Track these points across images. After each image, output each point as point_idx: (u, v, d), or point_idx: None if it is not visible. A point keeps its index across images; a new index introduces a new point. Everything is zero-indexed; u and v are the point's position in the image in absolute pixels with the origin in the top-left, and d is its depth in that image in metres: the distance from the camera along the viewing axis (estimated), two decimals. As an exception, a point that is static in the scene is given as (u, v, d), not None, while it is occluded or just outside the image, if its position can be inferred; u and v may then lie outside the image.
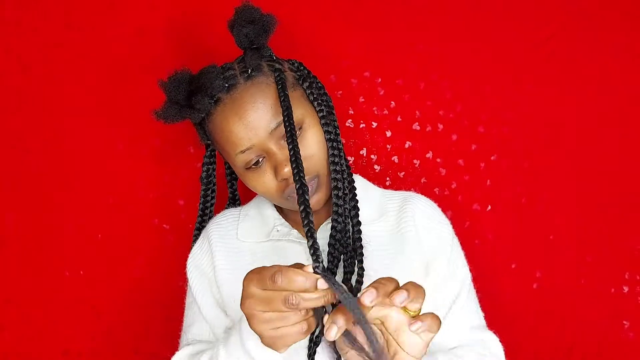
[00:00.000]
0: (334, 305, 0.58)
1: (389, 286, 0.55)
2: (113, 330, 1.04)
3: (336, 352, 0.70)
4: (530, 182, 1.01)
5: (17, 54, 1.03)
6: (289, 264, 0.77)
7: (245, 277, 0.58)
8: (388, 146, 1.02)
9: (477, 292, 0.84)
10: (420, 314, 0.56)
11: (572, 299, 1.01)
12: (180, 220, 1.03)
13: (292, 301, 0.54)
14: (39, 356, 1.04)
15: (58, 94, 1.03)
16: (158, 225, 1.03)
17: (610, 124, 1.00)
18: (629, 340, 1.00)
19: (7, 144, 1.03)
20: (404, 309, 0.56)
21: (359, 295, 0.54)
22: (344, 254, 0.74)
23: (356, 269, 0.73)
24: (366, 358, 0.59)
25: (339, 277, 0.74)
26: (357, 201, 0.78)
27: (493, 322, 0.83)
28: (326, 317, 0.55)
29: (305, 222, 0.62)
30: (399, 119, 1.02)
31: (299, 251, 0.79)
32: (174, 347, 0.84)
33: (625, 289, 1.00)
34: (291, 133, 0.68)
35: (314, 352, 0.70)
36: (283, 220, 0.83)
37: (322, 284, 0.55)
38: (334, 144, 0.76)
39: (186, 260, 0.85)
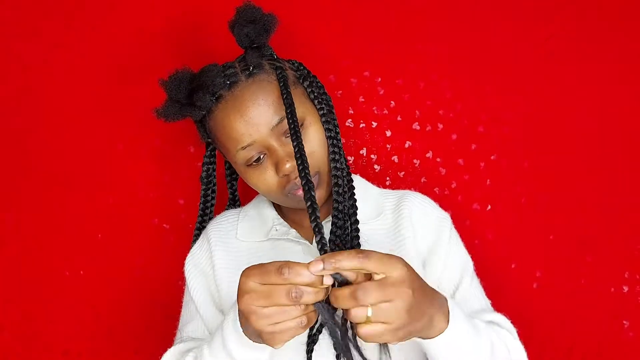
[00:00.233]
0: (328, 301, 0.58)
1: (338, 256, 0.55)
2: (113, 330, 1.04)
3: (335, 350, 0.70)
4: (530, 182, 1.01)
5: (17, 54, 1.03)
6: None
7: (242, 273, 0.58)
8: (388, 146, 1.02)
9: (477, 290, 0.84)
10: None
11: (572, 299, 1.01)
12: (180, 220, 1.03)
13: (294, 294, 0.54)
14: (39, 356, 1.04)
15: (58, 94, 1.03)
16: (158, 225, 1.03)
17: (610, 124, 1.00)
18: (629, 340, 1.00)
19: (7, 144, 1.03)
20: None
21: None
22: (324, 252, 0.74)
23: None
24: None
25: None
26: (355, 200, 0.78)
27: (493, 321, 0.83)
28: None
29: (312, 218, 0.62)
30: (399, 118, 1.02)
31: (297, 250, 0.79)
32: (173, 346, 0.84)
33: (625, 289, 1.00)
34: (295, 130, 0.68)
35: (312, 350, 0.70)
36: (282, 219, 0.83)
37: (327, 280, 0.55)
38: (334, 142, 0.77)
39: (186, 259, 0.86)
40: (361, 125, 1.02)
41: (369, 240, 0.78)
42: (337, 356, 0.70)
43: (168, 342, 0.85)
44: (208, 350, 0.67)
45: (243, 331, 0.61)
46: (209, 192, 0.90)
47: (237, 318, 0.62)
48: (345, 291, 0.55)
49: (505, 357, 0.70)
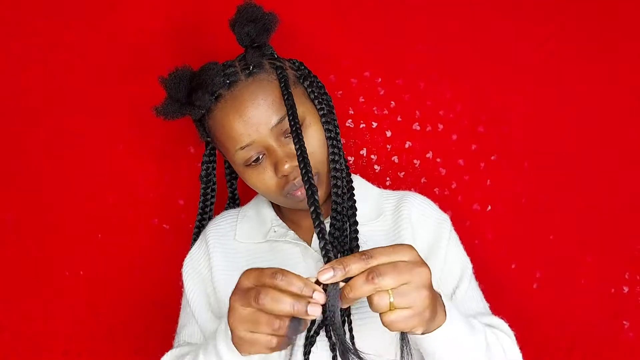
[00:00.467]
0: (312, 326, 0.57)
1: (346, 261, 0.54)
2: (113, 330, 1.04)
3: (332, 351, 0.70)
4: (530, 182, 1.01)
5: (17, 54, 1.03)
6: (286, 266, 0.78)
7: (244, 272, 0.57)
8: (388, 146, 1.02)
9: (477, 291, 0.84)
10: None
11: (572, 299, 1.01)
12: (180, 220, 1.03)
13: (261, 299, 0.52)
14: (39, 356, 1.04)
15: (58, 94, 1.03)
16: (158, 225, 1.03)
17: (610, 124, 1.00)
18: (629, 340, 1.00)
19: (7, 144, 1.03)
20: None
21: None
22: (341, 253, 0.74)
23: None
24: None
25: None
26: (354, 201, 0.78)
27: (493, 321, 0.83)
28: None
29: (316, 224, 0.62)
30: (399, 119, 1.02)
31: (295, 252, 0.79)
32: (172, 347, 0.84)
33: (625, 289, 1.00)
34: (297, 132, 0.68)
35: (309, 352, 0.70)
36: (280, 221, 0.83)
37: (318, 296, 0.53)
38: (334, 142, 0.76)
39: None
40: (361, 126, 1.02)
41: (368, 242, 0.78)
42: (334, 358, 0.70)
43: (168, 342, 0.85)
44: (203, 354, 0.66)
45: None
46: (209, 191, 0.89)
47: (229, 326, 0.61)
48: (359, 279, 0.53)
49: (501, 358, 0.70)
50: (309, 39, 1.01)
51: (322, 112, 0.77)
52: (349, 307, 0.72)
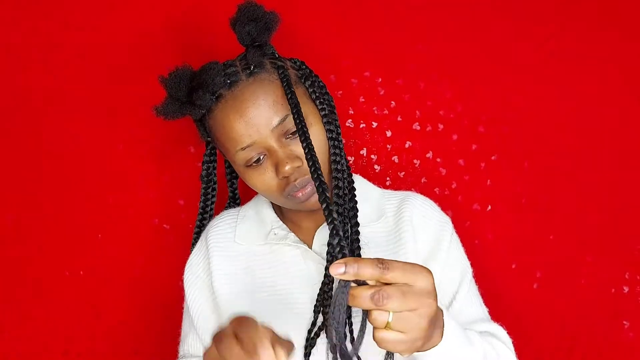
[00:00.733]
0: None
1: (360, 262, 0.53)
2: (113, 330, 1.04)
3: (332, 352, 0.70)
4: (530, 182, 1.01)
5: (17, 54, 1.03)
6: (286, 269, 0.78)
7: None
8: (388, 146, 1.02)
9: (477, 291, 0.84)
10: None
11: (572, 299, 1.01)
12: (180, 220, 1.03)
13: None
14: (39, 356, 1.04)
15: (58, 94, 1.03)
16: (158, 225, 1.03)
17: (610, 124, 1.00)
18: (629, 340, 1.00)
19: (7, 144, 1.03)
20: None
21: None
22: (342, 254, 0.74)
23: None
24: None
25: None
26: (356, 202, 0.77)
27: (494, 321, 0.83)
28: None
29: (329, 221, 0.60)
30: (399, 119, 1.02)
31: (295, 254, 0.79)
32: (174, 347, 0.85)
33: (625, 289, 1.00)
34: (303, 130, 0.67)
35: (309, 353, 0.70)
36: (281, 222, 0.83)
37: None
38: (335, 142, 0.76)
39: (186, 260, 0.86)
40: (361, 126, 1.02)
41: (369, 243, 0.77)
42: (334, 358, 0.70)
43: (168, 342, 0.86)
44: None
45: None
46: (209, 190, 0.89)
47: None
48: (365, 292, 0.52)
49: None
50: (309, 39, 1.01)
51: (323, 112, 0.77)
52: (350, 308, 0.72)
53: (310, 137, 0.73)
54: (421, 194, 0.86)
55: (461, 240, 0.85)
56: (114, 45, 1.02)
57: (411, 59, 1.01)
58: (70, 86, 1.03)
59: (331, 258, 0.73)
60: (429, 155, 1.02)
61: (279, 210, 0.85)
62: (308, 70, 0.80)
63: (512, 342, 0.77)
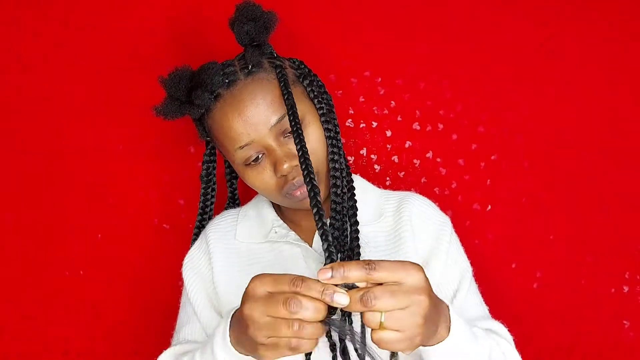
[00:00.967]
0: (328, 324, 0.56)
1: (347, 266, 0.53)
2: (113, 330, 1.04)
3: (332, 351, 0.70)
4: (530, 182, 1.01)
5: (17, 54, 1.03)
6: (286, 267, 0.78)
7: (255, 277, 0.56)
8: (388, 146, 1.02)
9: (477, 291, 0.84)
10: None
11: (572, 299, 1.01)
12: (180, 220, 1.03)
13: (292, 305, 0.52)
14: (39, 356, 1.04)
15: (58, 94, 1.03)
16: (158, 225, 1.03)
17: (610, 124, 1.00)
18: (629, 340, 1.00)
19: (7, 144, 1.03)
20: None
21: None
22: (341, 254, 0.74)
23: None
24: None
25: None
26: (355, 201, 0.78)
27: (493, 321, 0.83)
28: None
29: (319, 225, 0.61)
30: (399, 118, 1.02)
31: (296, 253, 0.79)
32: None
33: (625, 289, 1.00)
34: (297, 132, 0.67)
35: (310, 352, 0.70)
36: (281, 221, 0.83)
37: (339, 297, 0.52)
38: (334, 142, 0.76)
39: (185, 260, 0.86)
40: (361, 125, 1.02)
41: (369, 243, 0.78)
42: (334, 358, 0.70)
43: (168, 342, 0.85)
44: (200, 356, 0.66)
45: (235, 340, 0.60)
46: (209, 190, 0.89)
47: (227, 329, 0.61)
48: (354, 295, 0.53)
49: None
50: (309, 38, 1.01)
51: (321, 112, 0.77)
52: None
53: (309, 136, 0.74)
54: (421, 193, 0.86)
55: (461, 240, 0.85)
56: (114, 46, 1.02)
57: (411, 59, 1.01)
58: (70, 86, 1.03)
59: (330, 257, 0.73)
60: (429, 155, 1.02)
61: (279, 209, 0.85)
62: (306, 70, 0.80)
63: (514, 340, 0.78)
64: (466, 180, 1.01)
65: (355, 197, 0.78)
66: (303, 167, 0.65)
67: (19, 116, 1.03)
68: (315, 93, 0.78)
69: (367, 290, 0.52)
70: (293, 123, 0.68)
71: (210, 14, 1.00)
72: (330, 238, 0.61)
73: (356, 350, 0.64)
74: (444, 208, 0.86)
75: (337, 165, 0.76)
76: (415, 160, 1.02)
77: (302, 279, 0.53)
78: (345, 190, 0.76)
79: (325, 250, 0.60)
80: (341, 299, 0.52)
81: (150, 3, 1.01)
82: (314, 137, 0.75)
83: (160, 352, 0.77)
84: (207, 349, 0.65)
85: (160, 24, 1.01)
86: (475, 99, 1.01)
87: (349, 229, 0.75)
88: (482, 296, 0.84)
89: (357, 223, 0.76)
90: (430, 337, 0.59)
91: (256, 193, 0.89)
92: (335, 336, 0.71)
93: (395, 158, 1.02)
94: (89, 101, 1.03)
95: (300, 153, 0.66)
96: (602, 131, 1.00)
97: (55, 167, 1.03)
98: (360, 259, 0.74)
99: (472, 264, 0.84)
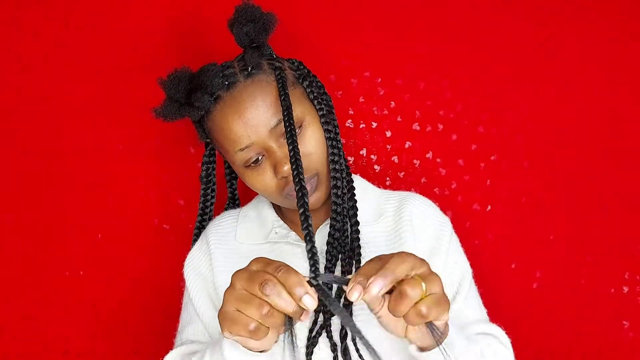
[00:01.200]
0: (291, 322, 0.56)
1: (372, 270, 0.54)
2: (113, 330, 1.04)
3: (333, 352, 0.70)
4: (530, 182, 1.01)
5: (17, 54, 1.03)
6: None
7: (255, 258, 0.58)
8: (388, 146, 1.02)
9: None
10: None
11: (572, 299, 1.01)
12: (180, 220, 1.03)
13: (266, 288, 0.52)
14: (39, 356, 1.04)
15: (58, 94, 1.03)
16: (158, 225, 1.03)
17: (610, 124, 1.00)
18: (629, 340, 1.00)
19: (7, 144, 1.03)
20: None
21: (347, 292, 0.53)
22: (342, 254, 0.74)
23: (354, 270, 0.73)
24: None
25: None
26: (355, 201, 0.78)
27: (493, 322, 0.83)
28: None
29: (304, 226, 0.61)
30: (399, 119, 1.02)
31: (297, 253, 0.79)
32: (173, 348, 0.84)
33: (625, 289, 1.00)
34: (291, 133, 0.67)
35: (312, 352, 0.70)
36: (281, 222, 0.83)
37: (307, 300, 0.52)
38: (334, 142, 0.76)
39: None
40: (361, 126, 1.02)
41: (369, 243, 0.77)
42: (334, 358, 0.70)
43: (168, 342, 0.85)
44: (209, 356, 0.66)
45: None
46: (209, 191, 0.89)
47: None
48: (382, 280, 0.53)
49: None
50: (309, 39, 1.01)
51: (321, 113, 0.77)
52: (351, 310, 0.72)
53: (308, 137, 0.74)
54: (421, 194, 0.86)
55: (461, 240, 0.85)
56: (114, 46, 1.02)
57: (411, 59, 1.01)
58: (71, 86, 1.03)
59: (330, 257, 0.73)
60: (429, 155, 1.02)
61: (279, 210, 0.85)
62: (306, 71, 0.80)
63: (511, 342, 0.77)
64: (466, 180, 1.01)
65: (355, 198, 0.78)
66: (293, 167, 0.65)
67: (19, 116, 1.03)
68: (315, 94, 0.78)
69: (404, 283, 0.54)
70: (287, 124, 0.68)
71: (210, 14, 1.00)
72: (314, 239, 0.60)
73: (353, 340, 0.63)
74: (444, 208, 0.86)
75: (337, 166, 0.76)
76: (415, 161, 1.02)
77: (287, 268, 0.54)
78: (345, 190, 0.76)
79: (308, 252, 0.59)
80: (308, 302, 0.53)
81: (150, 3, 1.01)
82: (314, 138, 0.75)
83: (160, 352, 0.77)
84: (217, 348, 0.65)
85: (160, 24, 1.01)
86: (475, 99, 1.01)
87: (349, 229, 0.75)
88: (482, 296, 0.84)
89: (357, 223, 0.76)
90: (427, 339, 0.59)
91: (256, 193, 0.89)
92: (336, 336, 0.72)
93: (395, 158, 1.02)
94: (89, 101, 1.03)
95: (291, 154, 0.66)
96: (602, 131, 1.00)
97: (55, 167, 1.03)
98: (361, 259, 0.74)
99: (472, 264, 0.84)
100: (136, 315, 1.04)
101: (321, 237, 0.79)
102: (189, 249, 0.87)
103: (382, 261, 0.55)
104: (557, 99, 1.01)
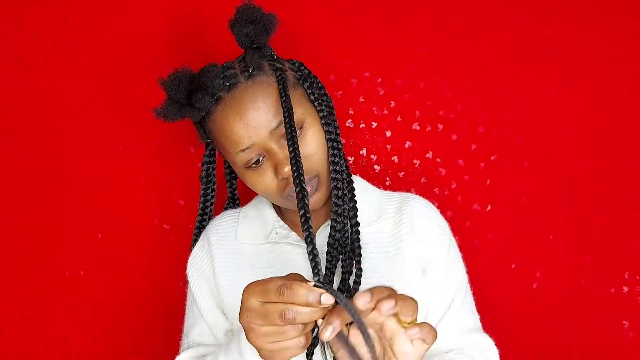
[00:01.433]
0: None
1: (383, 293, 0.55)
2: (113, 330, 1.04)
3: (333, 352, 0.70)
4: (530, 182, 1.01)
5: (17, 54, 1.03)
6: (287, 268, 0.78)
7: (245, 288, 0.57)
8: (388, 146, 1.02)
9: (476, 292, 0.84)
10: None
11: (572, 299, 1.01)
12: (180, 220, 1.03)
13: (288, 316, 0.53)
14: (39, 356, 1.04)
15: (58, 94, 1.03)
16: (158, 225, 1.03)
17: (610, 124, 1.00)
18: (629, 340, 1.00)
19: (7, 144, 1.03)
20: (399, 320, 0.56)
21: (355, 296, 0.54)
22: (343, 254, 0.74)
23: (354, 270, 0.73)
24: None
25: (337, 277, 0.74)
26: (355, 202, 0.78)
27: (493, 322, 0.83)
28: (320, 321, 0.56)
29: (305, 227, 0.61)
30: (399, 119, 1.02)
31: (297, 254, 0.79)
32: (174, 347, 0.84)
33: (625, 289, 1.00)
34: (292, 135, 0.67)
35: (312, 352, 0.70)
36: (282, 222, 0.83)
37: (326, 298, 0.54)
38: (334, 143, 0.76)
39: (186, 260, 0.86)
40: (361, 126, 1.02)
41: (369, 243, 0.78)
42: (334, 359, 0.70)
43: (168, 342, 0.86)
44: (224, 358, 0.66)
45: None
46: (209, 191, 0.89)
47: None
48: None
49: None
50: (309, 39, 1.01)
51: (322, 114, 0.77)
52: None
53: (309, 138, 0.74)
54: (421, 194, 0.87)
55: (461, 240, 0.86)
56: (114, 46, 1.02)
57: (411, 59, 1.01)
58: (71, 86, 1.03)
59: (331, 258, 0.73)
60: (429, 155, 1.02)
61: (279, 210, 0.85)
62: (307, 72, 0.80)
63: (511, 343, 0.78)
64: (466, 180, 1.01)
65: (355, 199, 0.78)
66: (294, 169, 0.65)
67: (19, 116, 1.03)
68: (316, 95, 0.77)
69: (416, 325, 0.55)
70: (288, 126, 0.68)
71: (210, 14, 1.00)
72: (315, 241, 0.61)
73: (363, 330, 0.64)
74: (444, 208, 0.86)
75: (337, 167, 0.76)
76: (415, 161, 1.02)
77: (287, 285, 0.54)
78: (345, 191, 0.76)
79: (309, 253, 0.60)
80: (327, 300, 0.54)
81: (150, 3, 1.01)
82: (315, 139, 0.75)
83: (160, 352, 0.77)
84: (233, 349, 0.65)
85: (160, 24, 1.01)
86: (475, 99, 1.01)
87: (349, 230, 0.75)
88: (481, 297, 0.84)
89: (357, 224, 0.76)
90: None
91: (256, 194, 0.89)
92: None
93: (395, 158, 1.02)
94: (89, 101, 1.03)
95: (292, 155, 0.66)
96: (602, 131, 1.00)
97: (55, 167, 1.03)
98: (361, 259, 0.74)
99: (471, 264, 0.84)
100: (136, 315, 1.04)
101: (322, 237, 0.79)
102: (189, 249, 0.87)
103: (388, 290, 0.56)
104: (557, 99, 1.01)
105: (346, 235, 0.75)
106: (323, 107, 0.77)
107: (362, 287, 0.72)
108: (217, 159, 0.89)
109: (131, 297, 1.04)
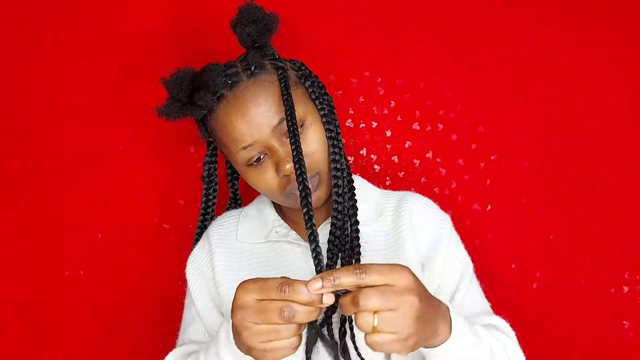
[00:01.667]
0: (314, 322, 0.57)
1: (337, 272, 0.54)
2: (113, 331, 1.04)
3: (333, 351, 0.70)
4: (530, 182, 1.01)
5: (17, 54, 1.03)
6: (287, 266, 0.78)
7: (240, 286, 0.57)
8: (388, 146, 1.02)
9: (477, 289, 0.84)
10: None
11: (572, 299, 1.01)
12: (180, 220, 1.03)
13: (286, 313, 0.53)
14: (39, 356, 1.04)
15: (58, 94, 1.03)
16: (158, 225, 1.03)
17: (610, 124, 1.00)
18: (629, 340, 1.00)
19: (7, 144, 1.03)
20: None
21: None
22: (342, 252, 0.74)
23: None
24: None
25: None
26: (355, 201, 0.78)
27: (493, 321, 0.83)
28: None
29: (308, 225, 0.62)
30: (399, 118, 1.02)
31: (296, 252, 0.79)
32: (174, 347, 0.84)
33: (625, 289, 1.00)
34: (294, 133, 0.68)
35: (311, 350, 0.70)
36: (282, 221, 0.83)
37: (327, 297, 0.54)
38: (335, 142, 0.76)
39: (186, 260, 0.86)
40: (361, 125, 1.02)
41: (368, 242, 0.78)
42: (335, 357, 0.70)
43: (168, 342, 0.85)
44: (204, 357, 0.66)
45: (235, 343, 0.60)
46: (211, 191, 0.90)
47: (231, 329, 0.61)
48: (347, 298, 0.54)
49: None
50: (309, 39, 1.01)
51: (322, 113, 0.77)
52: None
53: (310, 137, 0.74)
54: (421, 193, 0.86)
55: (461, 241, 0.85)
56: (114, 46, 1.02)
57: (411, 59, 1.01)
58: (71, 86, 1.03)
59: (332, 256, 0.73)
60: (429, 155, 1.02)
61: (280, 209, 0.86)
62: (307, 71, 0.80)
63: (517, 335, 0.78)
64: (466, 180, 1.01)
65: (355, 197, 0.78)
66: (296, 166, 0.66)
67: (19, 116, 1.03)
68: (317, 94, 0.78)
69: (358, 291, 0.53)
70: (290, 124, 0.69)
71: (212, 15, 1.00)
72: (318, 239, 0.61)
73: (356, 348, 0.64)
74: (444, 208, 0.86)
75: (338, 166, 0.76)
76: (415, 160, 1.02)
77: (289, 283, 0.54)
78: (346, 190, 0.77)
79: (312, 251, 0.60)
80: (329, 299, 0.54)
81: (150, 3, 1.01)
82: (316, 138, 0.75)
83: (160, 352, 0.77)
84: (211, 349, 0.65)
85: (160, 24, 1.01)
86: (475, 99, 1.01)
87: (349, 228, 0.76)
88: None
89: (357, 223, 0.76)
90: (429, 338, 0.59)
91: (258, 193, 0.89)
92: (336, 335, 0.72)
93: (395, 158, 1.02)
94: (89, 101, 1.03)
95: (294, 153, 0.67)
96: (602, 131, 1.01)
97: (55, 167, 1.03)
98: (361, 258, 0.74)
99: (472, 263, 0.84)
100: (136, 315, 1.04)
101: (322, 235, 0.79)
102: (189, 249, 0.87)
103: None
104: (557, 99, 1.01)
105: (346, 233, 0.75)
106: (324, 105, 0.78)
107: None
108: (219, 159, 0.89)
109: (131, 297, 1.04)
